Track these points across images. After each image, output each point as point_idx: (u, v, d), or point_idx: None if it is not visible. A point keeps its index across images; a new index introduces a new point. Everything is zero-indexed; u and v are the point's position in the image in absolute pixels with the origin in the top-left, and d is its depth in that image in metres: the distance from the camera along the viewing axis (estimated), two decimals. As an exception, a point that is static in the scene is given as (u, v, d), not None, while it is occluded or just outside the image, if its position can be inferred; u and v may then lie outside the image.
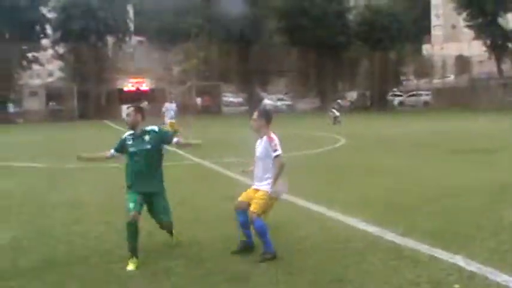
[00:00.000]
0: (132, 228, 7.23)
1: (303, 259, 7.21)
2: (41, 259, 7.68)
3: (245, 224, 7.54)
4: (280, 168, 7.41)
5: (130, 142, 7.67)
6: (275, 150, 7.35)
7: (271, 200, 7.46)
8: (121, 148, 7.81)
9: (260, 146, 7.57)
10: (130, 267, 7.11)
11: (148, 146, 7.57)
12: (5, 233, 9.39)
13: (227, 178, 14.82)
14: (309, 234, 8.56)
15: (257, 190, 7.52)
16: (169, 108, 25.61)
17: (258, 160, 7.58)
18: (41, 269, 7.21)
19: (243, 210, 7.52)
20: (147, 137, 7.60)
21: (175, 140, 7.92)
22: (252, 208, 7.28)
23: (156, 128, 7.87)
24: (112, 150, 7.88)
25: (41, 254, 7.97)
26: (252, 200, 7.40)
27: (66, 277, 6.80)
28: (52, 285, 6.56)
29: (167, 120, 24.96)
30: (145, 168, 7.63)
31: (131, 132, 7.72)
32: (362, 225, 8.92)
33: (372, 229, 8.62)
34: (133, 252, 7.26)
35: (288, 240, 8.25)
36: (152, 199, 7.70)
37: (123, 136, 7.79)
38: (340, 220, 9.46)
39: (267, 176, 7.46)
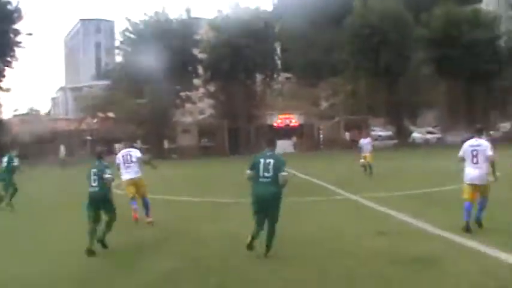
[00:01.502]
0: None
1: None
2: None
3: None
4: None
5: None
6: None
7: None
8: None
9: None
10: None
11: None
12: (166, 261, 9.85)
13: (378, 213, 14.65)
14: (466, 272, 8.30)
15: None
16: (364, 142, 27.42)
17: None
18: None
19: None
20: None
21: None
22: None
23: None
24: None
25: (196, 284, 8.26)
26: None
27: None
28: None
29: (362, 155, 26.94)
30: None
31: None
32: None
33: (533, 266, 8.22)
34: None
35: (443, 278, 8.05)
36: None
37: None
38: (498, 257, 9.07)
39: None
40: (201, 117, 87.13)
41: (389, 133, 67.69)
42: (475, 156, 11.37)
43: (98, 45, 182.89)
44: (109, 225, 11.17)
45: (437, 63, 64.39)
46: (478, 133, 11.89)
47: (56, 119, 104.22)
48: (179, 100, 68.01)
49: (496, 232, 10.92)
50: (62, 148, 54.22)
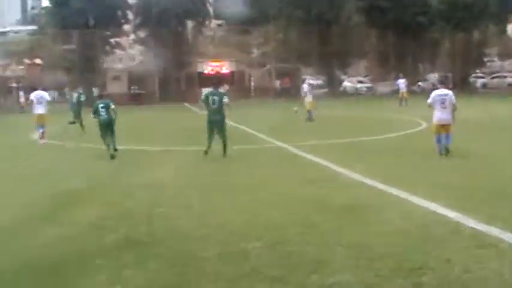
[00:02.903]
0: None
1: (383, 244, 7.04)
2: (123, 238, 7.83)
3: None
4: None
5: None
6: None
7: None
8: None
9: None
10: None
11: None
12: (91, 211, 9.65)
13: (307, 161, 14.73)
14: (390, 218, 8.38)
15: None
16: (306, 89, 29.04)
17: None
18: (122, 248, 7.34)
19: None
20: None
21: None
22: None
23: None
24: None
25: (122, 233, 8.12)
26: None
27: (146, 257, 6.89)
28: (132, 264, 6.66)
29: (307, 100, 28.56)
30: None
31: None
32: (444, 211, 8.63)
33: (454, 215, 8.34)
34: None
35: (368, 225, 8.12)
36: None
37: None
38: (421, 205, 9.19)
39: None
40: (131, 64, 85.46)
41: (320, 82, 67.92)
42: (443, 102, 14.53)
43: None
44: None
45: (368, 13, 64.73)
46: (442, 83, 16.03)
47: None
48: (109, 46, 66.45)
49: (421, 183, 11.11)
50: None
